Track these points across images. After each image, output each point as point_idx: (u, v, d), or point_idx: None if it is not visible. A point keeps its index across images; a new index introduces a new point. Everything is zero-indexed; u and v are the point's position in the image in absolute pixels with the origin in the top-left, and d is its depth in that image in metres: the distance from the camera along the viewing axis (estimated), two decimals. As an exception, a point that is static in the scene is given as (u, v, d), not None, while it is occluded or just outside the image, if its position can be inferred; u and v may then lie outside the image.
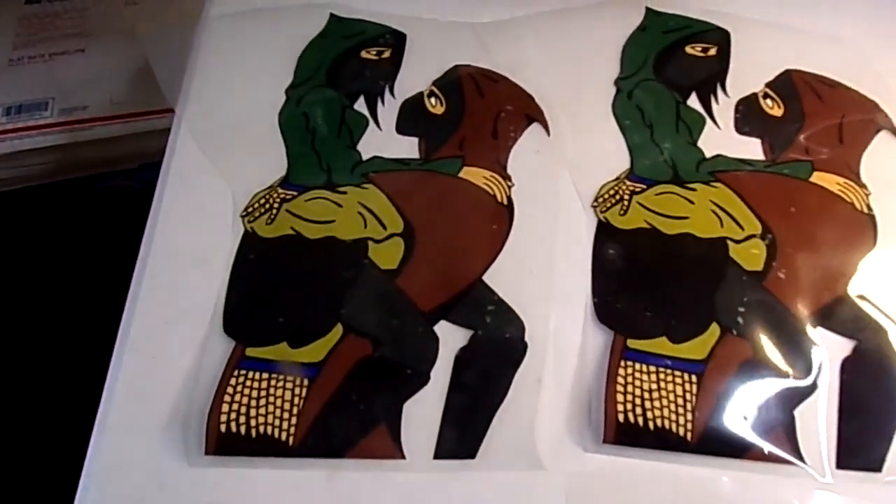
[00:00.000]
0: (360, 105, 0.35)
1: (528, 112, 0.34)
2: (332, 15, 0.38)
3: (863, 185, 0.32)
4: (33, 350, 0.42)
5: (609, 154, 0.33)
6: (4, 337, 0.42)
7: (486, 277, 0.29)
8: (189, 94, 0.35)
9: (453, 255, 0.30)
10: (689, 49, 0.36)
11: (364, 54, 0.36)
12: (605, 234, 0.31)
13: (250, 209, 0.32)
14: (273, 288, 0.30)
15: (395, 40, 0.37)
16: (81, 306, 0.43)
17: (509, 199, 0.32)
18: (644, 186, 0.32)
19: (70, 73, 0.49)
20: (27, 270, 0.46)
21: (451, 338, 0.28)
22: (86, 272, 0.45)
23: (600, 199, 0.32)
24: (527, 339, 0.28)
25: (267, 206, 0.32)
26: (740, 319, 0.28)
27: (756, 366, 0.27)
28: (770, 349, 0.28)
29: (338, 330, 0.29)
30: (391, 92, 0.35)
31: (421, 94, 0.35)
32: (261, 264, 0.30)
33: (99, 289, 0.38)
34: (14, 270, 0.46)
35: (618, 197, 0.32)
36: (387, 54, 0.36)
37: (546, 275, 0.30)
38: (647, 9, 0.38)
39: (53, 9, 0.54)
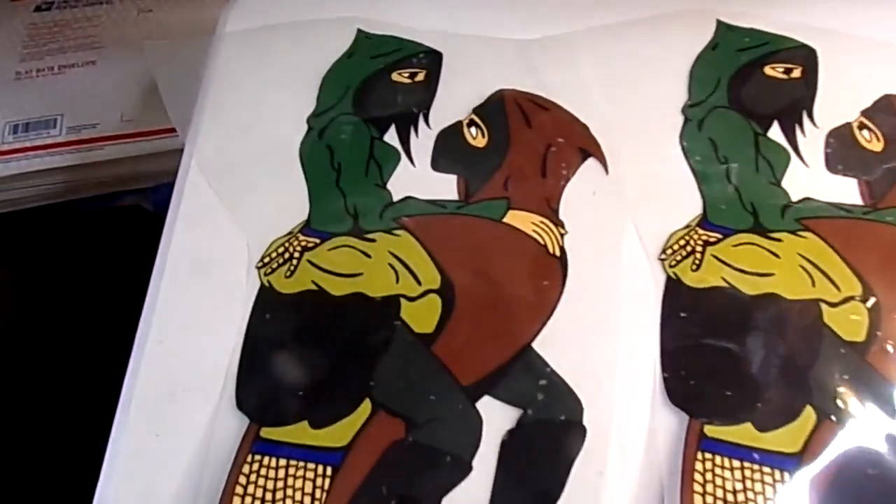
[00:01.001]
0: (391, 136, 0.31)
1: (582, 145, 0.30)
2: (359, 31, 0.34)
3: (981, 236, 0.27)
4: (37, 373, 0.40)
5: (677, 196, 0.28)
6: (5, 360, 0.40)
7: (537, 345, 0.25)
8: (200, 126, 0.31)
9: (498, 317, 0.26)
10: (768, 70, 0.31)
11: (395, 77, 0.32)
12: (675, 293, 0.26)
13: (267, 259, 0.28)
14: (292, 355, 0.26)
15: (431, 60, 0.33)
16: (87, 331, 0.40)
17: (562, 249, 0.28)
18: (719, 236, 0.27)
19: (80, 87, 0.46)
20: (31, 292, 0.43)
21: (496, 417, 0.25)
22: (91, 297, 0.42)
23: (669, 251, 0.27)
24: (585, 421, 0.24)
25: (286, 255, 0.28)
26: (840, 402, 0.24)
27: (860, 461, 0.23)
28: (878, 440, 0.23)
29: (366, 407, 0.25)
30: (426, 121, 0.31)
31: (460, 123, 0.31)
32: (278, 326, 0.27)
33: (105, 314, 0.36)
34: (17, 292, 0.43)
35: (689, 248, 0.27)
36: (421, 77, 0.32)
37: (607, 342, 0.26)
38: (719, 22, 0.33)
39: (63, 17, 0.51)
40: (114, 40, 0.49)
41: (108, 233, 0.46)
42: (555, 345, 0.25)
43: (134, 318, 0.28)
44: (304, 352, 0.26)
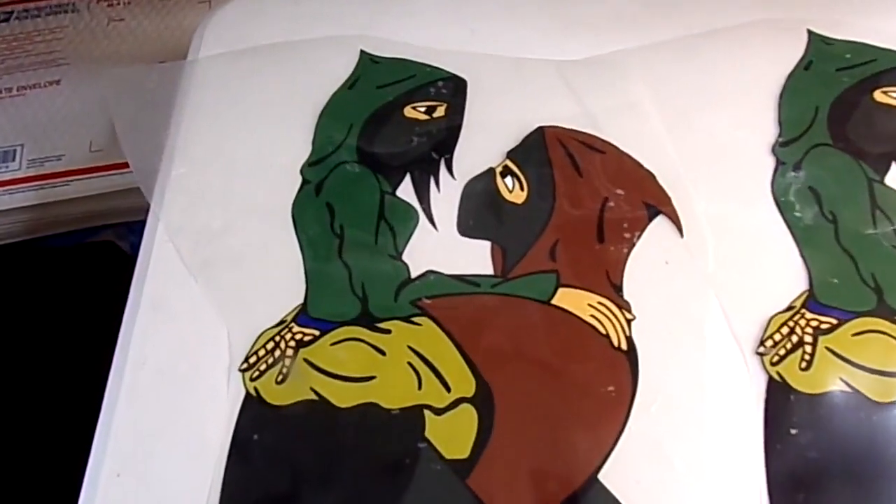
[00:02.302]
0: (406, 189, 0.25)
1: (648, 198, 0.24)
2: (362, 53, 0.28)
3: None
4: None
5: (774, 265, 0.23)
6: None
7: (604, 476, 0.20)
8: (168, 178, 0.25)
9: (551, 438, 0.21)
10: (879, 95, 0.25)
11: (409, 112, 0.27)
12: (781, 401, 0.21)
13: (253, 359, 0.22)
14: (288, 489, 0.20)
15: (452, 89, 0.27)
16: (53, 374, 0.36)
17: (629, 340, 0.22)
18: (833, 321, 0.21)
19: (42, 112, 0.41)
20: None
21: (554, 578, 0.19)
22: (56, 342, 0.38)
23: (769, 343, 0.22)
24: (674, 586, 0.19)
25: (277, 353, 0.22)
26: None
27: None
28: None
29: (384, 567, 0.20)
30: (449, 169, 0.25)
31: (491, 171, 0.25)
32: (269, 450, 0.21)
33: (70, 358, 0.33)
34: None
35: (795, 339, 0.21)
36: (441, 111, 0.26)
37: (695, 470, 0.20)
38: (811, 33, 0.27)
39: (24, 28, 0.45)
40: (80, 55, 0.43)
41: (77, 274, 0.41)
42: (627, 476, 0.20)
43: (100, 372, 0.23)
44: (302, 486, 0.20)
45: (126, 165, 0.39)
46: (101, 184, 0.39)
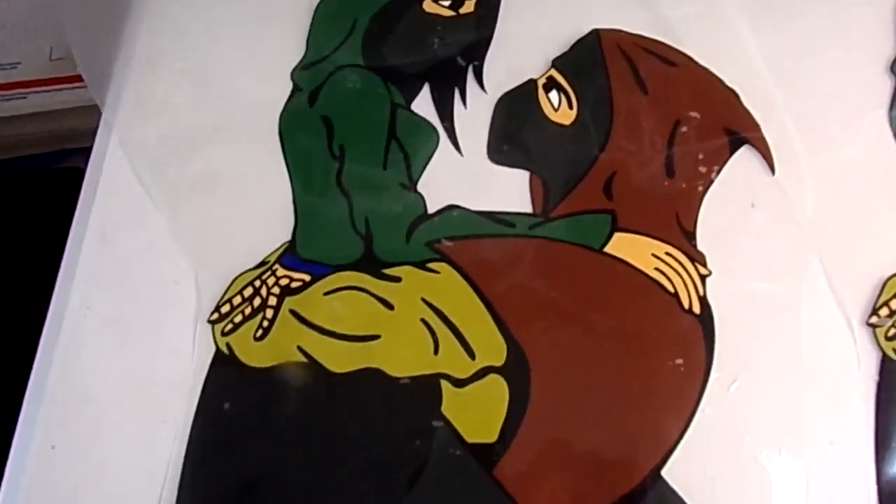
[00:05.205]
0: (424, 103, 0.20)
1: (730, 124, 0.20)
2: None
3: None
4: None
5: (891, 215, 0.18)
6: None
7: (668, 471, 0.16)
8: (126, 84, 0.21)
9: (603, 421, 0.17)
10: None
11: (429, 5, 0.22)
12: None
13: (226, 308, 0.18)
14: (264, 472, 0.17)
15: None
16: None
17: (703, 301, 0.18)
18: (966, 287, 0.18)
19: (-4, 13, 0.36)
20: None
21: None
22: (8, 272, 0.34)
23: (883, 311, 0.17)
24: None
25: (257, 302, 0.18)
26: None
27: None
28: None
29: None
30: (478, 79, 0.21)
31: (532, 83, 0.21)
32: (243, 422, 0.17)
33: (21, 291, 0.30)
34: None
35: None
36: (469, 5, 0.22)
37: (783, 469, 0.16)
38: None
39: (-25, -88, 0.40)
40: (41, -54, 0.38)
41: (38, 203, 0.37)
42: (698, 473, 0.16)
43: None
44: (282, 470, 0.17)
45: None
46: (64, 97, 0.35)
